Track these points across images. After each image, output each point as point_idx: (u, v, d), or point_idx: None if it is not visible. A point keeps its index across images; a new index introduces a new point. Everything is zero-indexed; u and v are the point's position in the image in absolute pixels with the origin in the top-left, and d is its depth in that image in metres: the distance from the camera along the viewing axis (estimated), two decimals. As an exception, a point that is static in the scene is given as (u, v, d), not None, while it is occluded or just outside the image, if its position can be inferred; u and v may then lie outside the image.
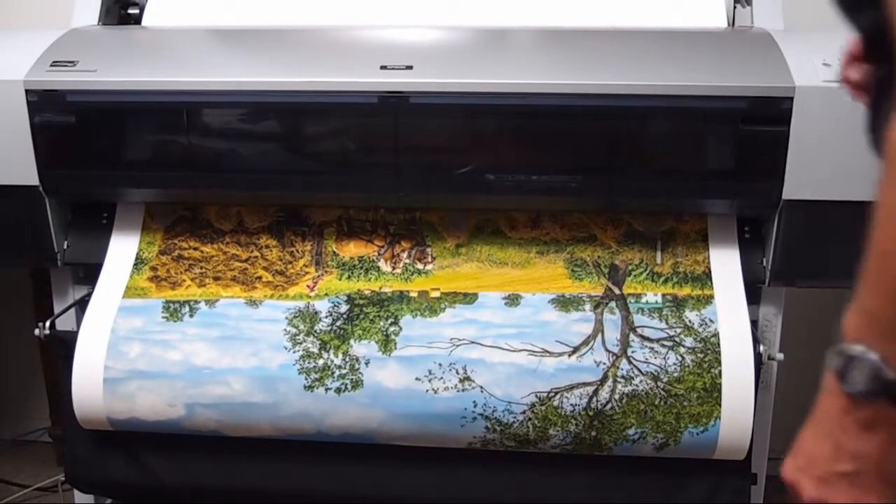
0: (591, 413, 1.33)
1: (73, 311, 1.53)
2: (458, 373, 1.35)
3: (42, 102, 1.38)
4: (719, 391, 1.32)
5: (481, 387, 1.34)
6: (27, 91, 1.38)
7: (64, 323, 1.52)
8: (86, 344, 1.41)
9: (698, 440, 1.33)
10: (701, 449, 1.34)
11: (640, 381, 1.33)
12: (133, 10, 1.67)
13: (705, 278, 1.40)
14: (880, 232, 0.63)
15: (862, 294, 0.65)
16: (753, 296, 1.41)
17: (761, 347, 1.35)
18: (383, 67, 1.34)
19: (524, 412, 1.34)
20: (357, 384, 1.36)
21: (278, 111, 1.39)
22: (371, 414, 1.35)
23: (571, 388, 1.34)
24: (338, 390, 1.36)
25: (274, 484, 1.46)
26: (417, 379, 1.35)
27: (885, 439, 0.66)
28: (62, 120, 1.39)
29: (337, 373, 1.37)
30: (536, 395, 1.34)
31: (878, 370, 0.63)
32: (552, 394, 1.34)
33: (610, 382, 1.34)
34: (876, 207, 0.64)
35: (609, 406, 1.33)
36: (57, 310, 1.54)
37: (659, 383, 1.33)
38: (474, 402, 1.34)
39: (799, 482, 0.71)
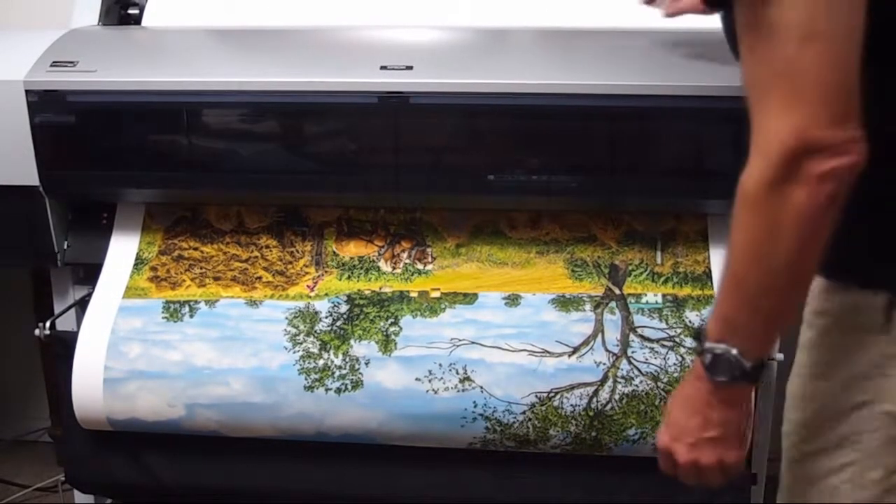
0: (591, 413, 1.33)
1: (73, 311, 1.53)
2: (458, 373, 1.35)
3: (42, 102, 1.38)
4: None
5: (481, 387, 1.34)
6: (27, 91, 1.38)
7: (64, 323, 1.52)
8: (86, 344, 1.41)
9: None
10: None
11: (641, 382, 1.33)
12: (133, 11, 1.67)
13: (706, 278, 1.40)
14: (733, 260, 0.79)
15: (720, 304, 0.83)
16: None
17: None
18: (383, 67, 1.35)
19: (524, 412, 1.34)
20: (357, 384, 1.36)
21: (278, 111, 1.39)
22: (371, 414, 1.35)
23: (571, 388, 1.34)
24: (338, 391, 1.36)
25: (274, 484, 1.46)
26: (417, 379, 1.35)
27: (744, 409, 0.87)
28: (62, 120, 1.39)
29: (337, 373, 1.37)
30: (536, 396, 1.34)
31: (738, 361, 0.82)
32: (552, 394, 1.34)
33: (610, 383, 1.34)
34: (731, 237, 0.78)
35: (609, 406, 1.33)
36: (57, 310, 1.54)
37: (659, 384, 1.33)
38: (474, 402, 1.34)
39: (673, 449, 0.88)
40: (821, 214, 0.73)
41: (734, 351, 0.82)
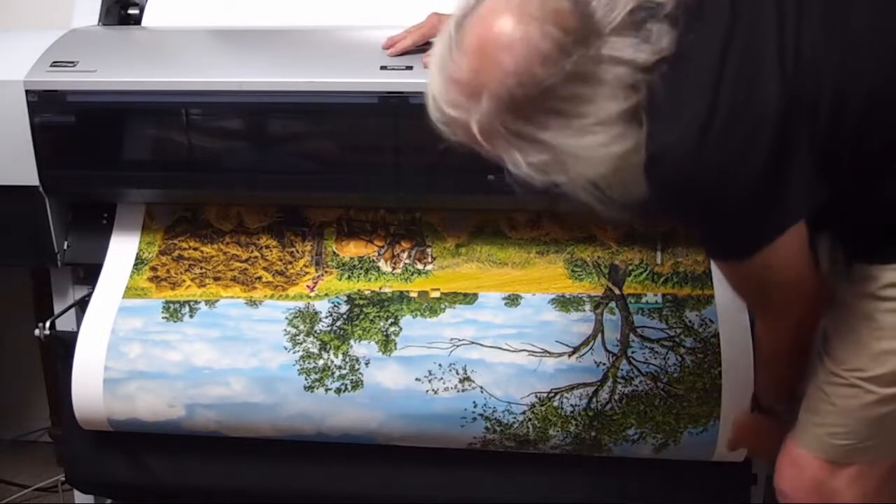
0: (590, 413, 1.33)
1: (73, 311, 1.53)
2: (458, 373, 1.35)
3: (42, 102, 1.38)
4: (719, 392, 1.32)
5: (481, 387, 1.34)
6: (27, 91, 1.38)
7: (64, 323, 1.51)
8: (86, 344, 1.41)
9: (697, 440, 1.33)
10: (700, 450, 1.34)
11: (640, 382, 1.33)
12: (133, 11, 1.67)
13: (705, 278, 1.40)
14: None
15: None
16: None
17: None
18: (383, 67, 1.35)
19: (524, 412, 1.34)
20: (357, 384, 1.36)
21: (278, 111, 1.39)
22: (371, 415, 1.35)
23: (571, 388, 1.34)
24: (338, 391, 1.36)
25: (274, 483, 1.46)
26: (417, 379, 1.35)
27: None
28: (62, 120, 1.39)
29: (337, 373, 1.37)
30: (536, 396, 1.34)
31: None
32: (552, 394, 1.34)
33: (610, 383, 1.34)
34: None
35: (609, 406, 1.33)
36: (57, 310, 1.54)
37: (659, 384, 1.33)
38: (474, 402, 1.34)
39: None
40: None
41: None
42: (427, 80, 0.96)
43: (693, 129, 0.87)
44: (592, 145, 0.89)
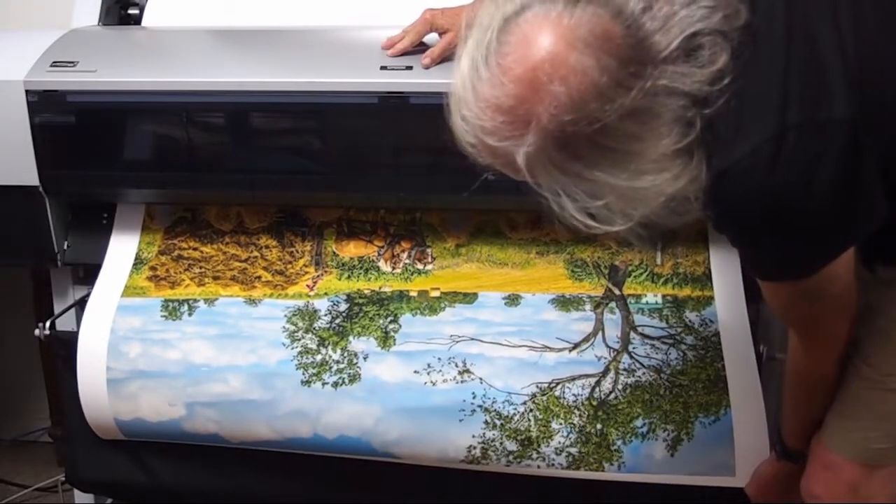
0: (594, 403, 1.32)
1: (73, 311, 1.53)
2: (457, 366, 1.35)
3: (42, 102, 1.38)
4: (725, 382, 1.31)
5: (480, 378, 1.33)
6: (27, 91, 1.38)
7: (64, 323, 1.51)
8: (87, 345, 1.41)
9: (712, 433, 1.31)
10: (718, 443, 1.31)
11: (643, 374, 1.32)
12: (133, 11, 1.67)
13: (705, 279, 1.40)
14: (796, 389, 1.16)
15: (794, 428, 1.20)
16: (753, 296, 1.41)
17: (761, 347, 1.35)
18: (383, 68, 1.34)
19: (525, 403, 1.32)
20: (354, 378, 1.36)
21: (278, 111, 1.39)
22: (367, 409, 1.34)
23: (573, 378, 1.33)
24: (335, 384, 1.35)
25: (274, 483, 1.46)
26: (416, 372, 1.34)
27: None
28: (62, 120, 1.39)
29: (335, 367, 1.36)
30: (537, 386, 1.33)
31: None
32: (553, 384, 1.33)
33: (612, 374, 1.33)
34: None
35: (613, 395, 1.32)
36: (57, 310, 1.54)
37: (662, 375, 1.32)
38: (473, 393, 1.33)
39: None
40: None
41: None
42: (454, 96, 0.86)
43: (763, 149, 0.84)
44: (647, 186, 0.83)
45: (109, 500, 1.71)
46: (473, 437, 1.34)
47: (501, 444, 1.34)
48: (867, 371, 1.06)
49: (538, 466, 1.33)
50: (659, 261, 1.42)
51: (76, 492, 1.64)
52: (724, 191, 0.86)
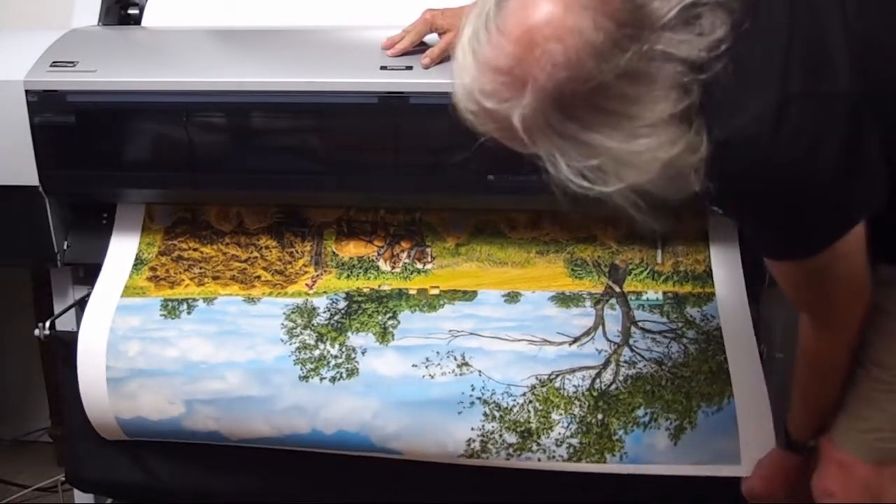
0: (595, 394, 1.31)
1: (73, 311, 1.53)
2: (455, 359, 1.34)
3: (42, 102, 1.38)
4: (727, 374, 1.31)
5: (479, 371, 1.33)
6: (27, 91, 1.38)
7: (64, 323, 1.51)
8: (87, 344, 1.41)
9: (715, 422, 1.30)
10: (722, 432, 1.30)
11: (644, 366, 1.32)
12: (133, 11, 1.67)
13: (706, 277, 1.40)
14: (806, 375, 1.13)
15: (801, 417, 1.17)
16: (753, 296, 1.41)
17: (761, 347, 1.35)
18: (383, 68, 1.35)
19: (524, 394, 1.32)
20: (352, 372, 1.36)
21: (278, 111, 1.39)
22: (365, 403, 1.34)
23: (573, 370, 1.33)
24: (332, 379, 1.35)
25: (274, 483, 1.46)
26: (414, 366, 1.34)
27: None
28: (62, 120, 1.39)
29: (333, 362, 1.36)
30: (537, 378, 1.33)
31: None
32: (553, 376, 1.33)
33: (613, 366, 1.33)
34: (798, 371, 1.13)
35: (614, 386, 1.31)
36: (57, 310, 1.54)
37: (663, 367, 1.32)
38: (472, 385, 1.33)
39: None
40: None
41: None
42: (455, 66, 0.87)
43: (765, 118, 0.83)
44: (641, 150, 0.84)
45: (109, 500, 1.71)
46: (472, 429, 1.33)
47: (501, 436, 1.33)
48: (877, 372, 1.05)
49: (538, 459, 1.33)
50: (659, 259, 1.42)
51: (76, 492, 1.64)
52: (725, 161, 0.85)
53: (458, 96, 0.88)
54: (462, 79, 0.86)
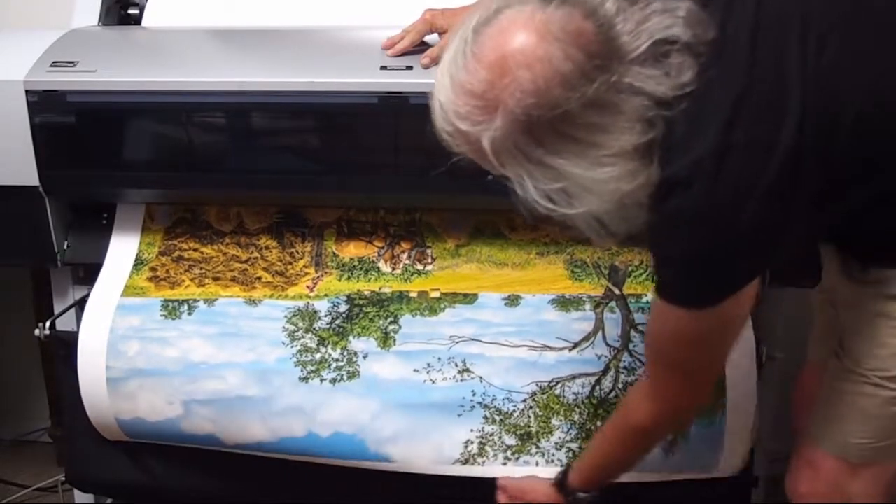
0: (594, 401, 1.32)
1: (73, 311, 1.53)
2: (456, 365, 1.35)
3: (42, 102, 1.38)
4: (723, 384, 1.31)
5: (480, 377, 1.34)
6: (27, 91, 1.37)
7: (64, 323, 1.51)
8: (87, 344, 1.41)
9: (705, 436, 1.31)
10: (710, 445, 1.32)
11: (643, 372, 1.32)
12: (133, 11, 1.67)
13: None
14: (628, 430, 1.13)
15: (585, 466, 1.22)
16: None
17: (761, 347, 1.35)
18: (383, 68, 1.34)
19: (525, 400, 1.33)
20: (353, 375, 1.36)
21: (278, 111, 1.39)
22: (364, 404, 1.34)
23: (573, 377, 1.33)
24: (333, 381, 1.35)
25: (274, 484, 1.46)
26: (415, 370, 1.35)
27: None
28: (62, 120, 1.39)
29: (334, 365, 1.36)
30: (537, 385, 1.33)
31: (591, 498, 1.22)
32: (553, 383, 1.33)
33: (612, 373, 1.33)
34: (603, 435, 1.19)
35: (613, 394, 1.32)
36: (57, 310, 1.54)
37: None
38: (473, 390, 1.33)
39: None
40: None
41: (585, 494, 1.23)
42: (435, 85, 0.92)
43: (704, 164, 0.86)
44: (604, 179, 0.87)
45: (109, 500, 1.71)
46: (472, 430, 1.34)
47: (500, 438, 1.34)
48: (852, 365, 1.07)
49: (537, 463, 1.33)
50: (659, 261, 1.42)
51: (76, 492, 1.64)
52: (659, 199, 0.89)
53: (436, 116, 0.92)
54: (439, 99, 0.91)
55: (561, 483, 1.24)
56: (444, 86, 0.90)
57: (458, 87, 0.88)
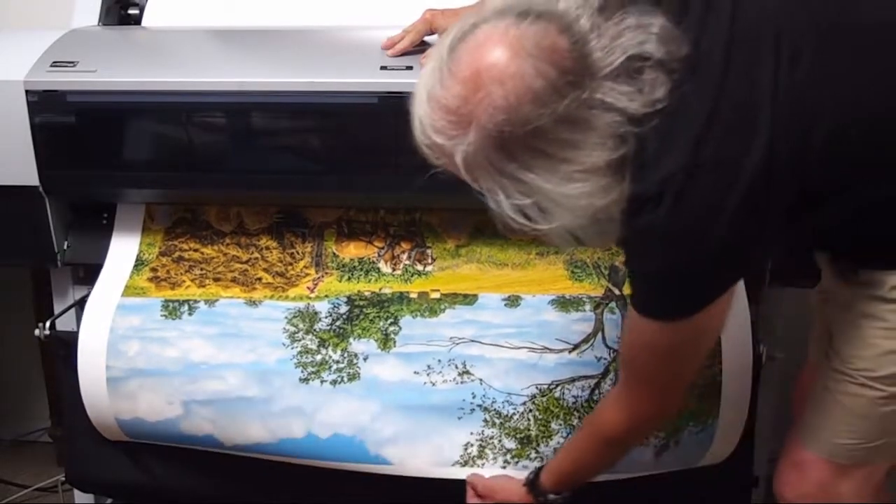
0: (593, 405, 1.32)
1: (73, 311, 1.53)
2: (457, 367, 1.35)
3: (42, 102, 1.38)
4: (718, 390, 1.31)
5: (480, 379, 1.34)
6: (27, 91, 1.37)
7: (64, 323, 1.51)
8: (87, 344, 1.41)
9: (696, 441, 1.33)
10: (697, 448, 1.34)
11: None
12: (133, 11, 1.67)
13: None
14: (604, 435, 1.14)
15: (557, 468, 1.23)
16: (753, 296, 1.41)
17: (761, 347, 1.35)
18: (383, 68, 1.34)
19: (524, 403, 1.33)
20: (354, 377, 1.36)
21: (278, 111, 1.39)
22: (364, 406, 1.34)
23: (573, 380, 1.33)
24: (333, 382, 1.35)
25: (273, 484, 1.46)
26: (416, 373, 1.35)
27: None
28: (62, 120, 1.39)
29: (334, 367, 1.36)
30: (537, 387, 1.33)
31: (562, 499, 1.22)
32: (553, 385, 1.33)
33: (612, 375, 1.33)
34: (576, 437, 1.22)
35: None
36: (57, 310, 1.54)
37: None
38: (473, 393, 1.33)
39: None
40: None
41: (556, 496, 1.23)
42: (414, 98, 0.93)
43: (672, 181, 0.87)
44: (576, 194, 0.88)
45: (109, 501, 1.71)
46: (472, 433, 1.34)
47: (500, 441, 1.34)
48: (839, 365, 1.07)
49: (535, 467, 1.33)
50: (659, 261, 1.42)
51: (76, 492, 1.64)
52: (630, 214, 0.89)
53: (415, 129, 0.94)
54: (418, 112, 0.93)
55: (532, 483, 1.25)
56: (422, 100, 0.92)
57: (434, 102, 0.90)
